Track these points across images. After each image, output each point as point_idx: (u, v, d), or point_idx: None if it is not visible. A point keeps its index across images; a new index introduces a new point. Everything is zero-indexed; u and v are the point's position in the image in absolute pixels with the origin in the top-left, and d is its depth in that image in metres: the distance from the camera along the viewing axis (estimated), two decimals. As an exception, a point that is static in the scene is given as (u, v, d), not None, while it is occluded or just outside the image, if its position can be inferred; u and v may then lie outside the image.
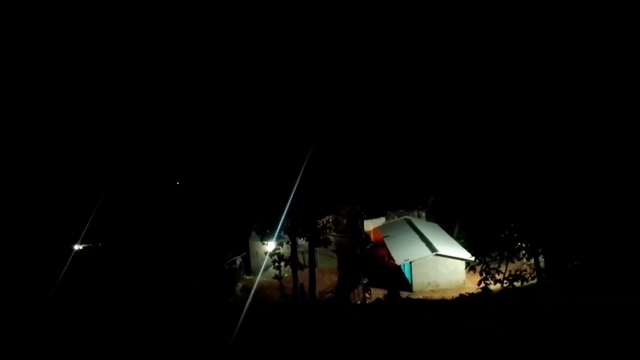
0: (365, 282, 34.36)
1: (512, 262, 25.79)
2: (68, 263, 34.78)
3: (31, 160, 41.60)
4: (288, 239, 35.31)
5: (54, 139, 42.66)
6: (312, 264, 33.61)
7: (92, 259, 37.58)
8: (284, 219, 33.52)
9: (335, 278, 37.83)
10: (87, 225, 38.18)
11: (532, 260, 25.28)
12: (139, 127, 44.35)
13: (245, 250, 40.89)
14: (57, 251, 36.76)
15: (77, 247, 38.39)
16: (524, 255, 25.26)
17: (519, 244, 24.67)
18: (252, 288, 34.43)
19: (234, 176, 41.34)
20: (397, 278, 35.62)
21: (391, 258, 37.15)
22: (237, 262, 39.70)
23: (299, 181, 31.65)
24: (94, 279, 33.86)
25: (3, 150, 40.27)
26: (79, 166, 43.36)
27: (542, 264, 25.66)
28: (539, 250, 24.69)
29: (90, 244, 39.51)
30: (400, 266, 35.79)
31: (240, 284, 37.67)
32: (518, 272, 23.58)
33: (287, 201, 31.92)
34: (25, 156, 41.44)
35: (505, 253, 24.88)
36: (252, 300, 28.15)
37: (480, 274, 23.87)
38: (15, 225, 38.22)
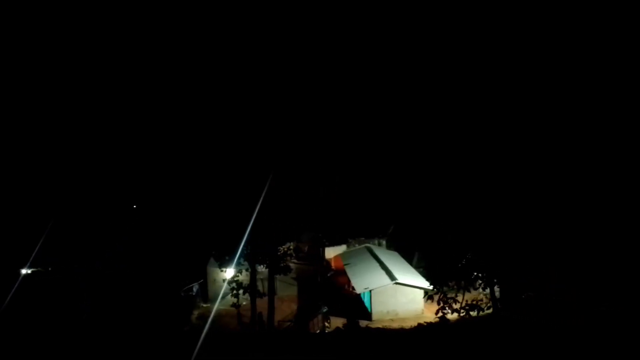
0: (324, 310, 34.08)
1: (469, 291, 26.24)
2: (15, 287, 33.14)
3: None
4: (247, 266, 34.76)
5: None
6: (272, 292, 33.11)
7: (41, 283, 35.87)
8: (244, 246, 32.99)
9: (294, 306, 37.36)
10: (37, 249, 36.53)
11: (488, 290, 25.75)
12: (95, 148, 43.16)
13: (202, 277, 39.95)
14: (2, 275, 35.00)
15: (25, 271, 36.59)
16: (480, 285, 25.73)
17: (476, 273, 25.15)
18: (208, 316, 33.55)
19: (193, 201, 40.60)
20: (356, 307, 35.50)
21: (351, 286, 37.07)
22: (194, 289, 38.72)
23: (260, 207, 31.37)
24: (42, 304, 32.37)
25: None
26: (29, 187, 41.67)
27: (497, 294, 26.16)
28: (495, 281, 25.21)
29: (39, 268, 37.73)
30: (360, 295, 35.73)
31: (196, 312, 36.66)
32: (474, 302, 24.00)
33: (247, 227, 31.51)
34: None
35: (462, 283, 25.29)
36: (208, 328, 27.36)
37: (438, 303, 24.16)
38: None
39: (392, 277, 34.98)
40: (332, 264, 47.68)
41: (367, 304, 35.29)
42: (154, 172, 44.50)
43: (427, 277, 36.54)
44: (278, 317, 33.41)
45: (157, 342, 22.50)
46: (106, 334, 26.31)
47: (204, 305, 38.35)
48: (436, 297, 24.47)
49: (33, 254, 36.47)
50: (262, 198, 31.36)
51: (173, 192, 43.36)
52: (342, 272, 42.10)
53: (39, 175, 42.14)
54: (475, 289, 25.93)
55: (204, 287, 39.84)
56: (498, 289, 26.18)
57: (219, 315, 35.33)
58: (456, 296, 24.49)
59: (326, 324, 33.25)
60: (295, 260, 42.62)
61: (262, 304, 32.61)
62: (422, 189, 40.32)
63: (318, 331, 32.35)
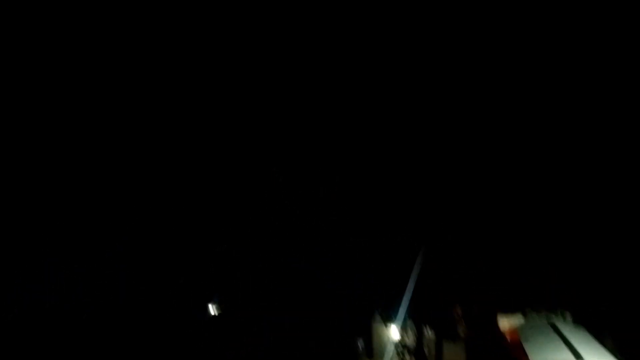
0: (497, 388, 31.10)
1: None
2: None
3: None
4: (413, 326, 33.79)
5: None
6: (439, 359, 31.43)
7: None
8: (410, 304, 32.28)
9: (463, 378, 34.84)
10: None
11: None
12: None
13: (367, 331, 39.84)
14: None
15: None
16: None
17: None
18: (371, 374, 33.17)
19: (360, 255, 41.09)
20: (536, 389, 31.56)
21: (530, 364, 33.23)
22: (359, 344, 38.69)
23: (425, 265, 30.59)
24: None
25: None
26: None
27: None
28: None
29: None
30: (540, 375, 31.76)
31: (360, 367, 36.54)
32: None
33: (412, 285, 30.88)
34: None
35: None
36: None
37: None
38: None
39: (579, 359, 30.47)
40: (507, 336, 43.45)
41: (548, 387, 31.17)
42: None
43: (626, 365, 31.07)
44: (445, 387, 31.44)
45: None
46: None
47: (368, 360, 38.07)
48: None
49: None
50: (422, 255, 30.61)
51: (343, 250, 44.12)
52: (517, 346, 38.04)
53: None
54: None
55: (368, 342, 39.58)
56: None
57: (382, 375, 34.67)
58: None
59: (499, 404, 30.19)
60: (464, 327, 40.05)
61: (428, 370, 31.12)
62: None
63: (490, 411, 29.54)
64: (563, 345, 34.05)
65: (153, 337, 33.14)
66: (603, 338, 38.01)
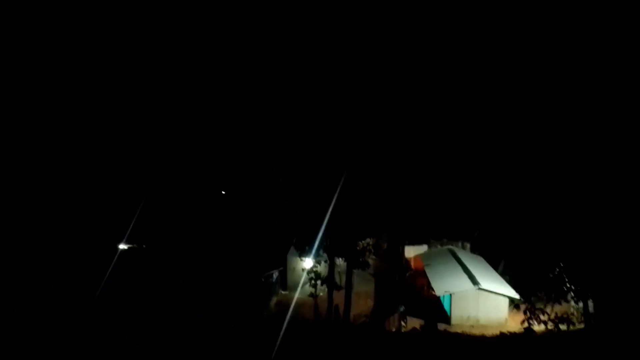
0: (401, 310, 33.57)
1: (560, 303, 24.61)
2: (114, 262, 35.97)
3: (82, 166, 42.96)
4: (326, 258, 35.09)
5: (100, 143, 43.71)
6: (349, 286, 33.11)
7: (136, 258, 38.78)
8: (323, 237, 33.24)
9: (371, 302, 37.16)
10: (132, 226, 39.39)
11: (581, 304, 23.94)
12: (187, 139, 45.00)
13: (282, 264, 40.91)
14: (103, 250, 38.09)
15: (122, 246, 39.66)
16: (572, 297, 24.03)
17: (568, 285, 23.49)
18: (286, 303, 34.36)
19: (275, 191, 41.41)
20: (435, 309, 34.57)
21: (431, 288, 36.15)
22: (274, 276, 39.73)
23: (339, 199, 31.37)
24: (138, 278, 34.99)
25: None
26: (123, 170, 44.47)
27: (591, 308, 24.23)
28: (589, 294, 23.38)
29: (134, 245, 40.70)
30: (439, 297, 34.75)
31: (275, 299, 37.62)
32: (565, 315, 22.46)
33: (326, 218, 31.70)
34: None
35: (553, 294, 23.80)
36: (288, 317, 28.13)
37: (524, 314, 22.90)
38: (61, 225, 39.77)
39: (475, 282, 33.62)
40: (412, 264, 46.77)
41: (446, 307, 34.24)
42: (240, 164, 45.68)
43: (514, 285, 34.71)
44: (354, 311, 33.38)
45: (241, 324, 23.35)
46: (194, 312, 27.83)
47: (283, 292, 39.26)
48: (523, 307, 23.26)
49: (128, 231, 39.47)
50: (339, 189, 31.36)
51: (258, 181, 44.53)
52: (421, 273, 41.19)
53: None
54: (567, 301, 24.26)
55: (283, 275, 40.75)
56: (592, 303, 24.26)
57: (296, 304, 36.01)
58: (544, 307, 23.11)
59: (402, 324, 32.73)
60: (374, 257, 42.29)
61: (338, 296, 32.75)
62: (512, 193, 38.17)
63: (394, 330, 31.96)
64: (459, 268, 37.36)
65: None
66: (497, 263, 42.01)
